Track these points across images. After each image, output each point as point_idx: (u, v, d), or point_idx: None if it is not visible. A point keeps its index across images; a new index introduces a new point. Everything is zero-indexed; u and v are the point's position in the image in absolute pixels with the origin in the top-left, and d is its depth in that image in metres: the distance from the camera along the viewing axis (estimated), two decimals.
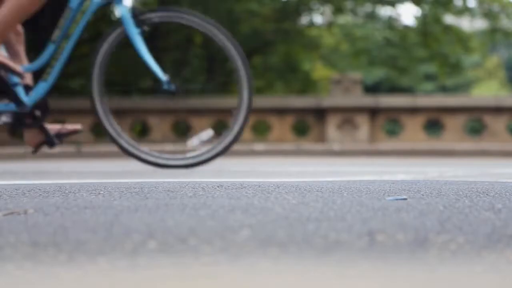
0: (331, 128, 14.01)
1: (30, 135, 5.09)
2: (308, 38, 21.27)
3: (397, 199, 2.39)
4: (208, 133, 12.15)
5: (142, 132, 15.26)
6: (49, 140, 5.06)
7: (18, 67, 4.96)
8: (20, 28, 5.14)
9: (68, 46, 5.04)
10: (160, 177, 4.42)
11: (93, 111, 5.06)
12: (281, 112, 14.29)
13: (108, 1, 5.09)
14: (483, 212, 2.07)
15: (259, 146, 13.05)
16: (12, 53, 5.15)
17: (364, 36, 22.13)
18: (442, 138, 13.98)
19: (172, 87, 4.95)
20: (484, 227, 1.80)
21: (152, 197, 2.43)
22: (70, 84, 19.02)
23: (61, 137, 5.09)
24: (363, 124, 13.99)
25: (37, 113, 5.02)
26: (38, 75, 5.20)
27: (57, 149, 12.02)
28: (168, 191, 2.60)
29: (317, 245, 1.65)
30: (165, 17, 5.13)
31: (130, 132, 13.93)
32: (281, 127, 14.28)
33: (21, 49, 5.18)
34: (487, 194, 2.52)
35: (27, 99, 4.98)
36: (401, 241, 1.67)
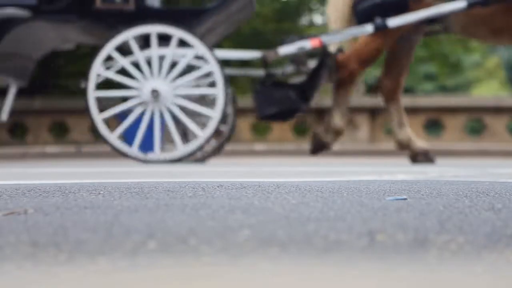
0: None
1: None
2: None
3: (397, 199, 2.39)
4: None
5: None
6: None
7: None
8: None
9: None
10: (160, 177, 4.42)
11: None
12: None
13: None
14: (483, 212, 2.07)
15: (259, 146, 13.05)
16: None
17: None
18: (442, 138, 13.97)
19: None
20: (484, 227, 1.80)
21: (152, 197, 2.43)
22: (70, 84, 18.99)
23: None
24: (363, 124, 13.98)
25: None
26: None
27: (57, 149, 12.02)
28: (168, 191, 2.60)
29: (317, 245, 1.65)
30: None
31: None
32: (281, 127, 14.27)
33: None
34: (487, 194, 2.52)
35: None
36: (401, 241, 1.67)
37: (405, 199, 2.41)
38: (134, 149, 6.73)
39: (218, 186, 2.74)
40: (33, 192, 2.59)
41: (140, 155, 6.75)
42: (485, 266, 1.51)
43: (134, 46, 6.72)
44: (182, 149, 6.78)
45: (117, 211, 2.07)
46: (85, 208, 2.15)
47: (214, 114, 6.79)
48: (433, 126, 15.08)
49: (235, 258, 1.55)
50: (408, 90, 29.48)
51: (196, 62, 6.95)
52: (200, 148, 6.88)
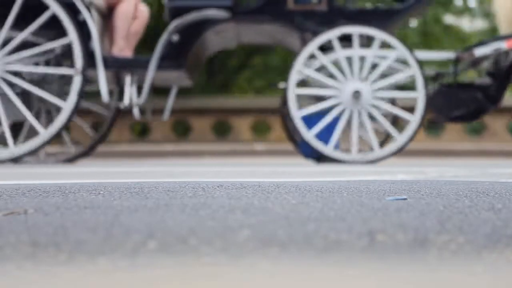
0: None
1: None
2: None
3: (397, 199, 2.39)
4: None
5: (142, 132, 15.24)
6: None
7: None
8: None
9: None
10: (160, 177, 4.42)
11: None
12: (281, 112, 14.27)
13: None
14: (483, 212, 2.07)
15: (259, 146, 13.04)
16: None
17: None
18: (442, 138, 13.97)
19: None
20: (484, 227, 1.80)
21: (152, 197, 2.43)
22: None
23: None
24: None
25: None
26: None
27: (57, 149, 12.01)
28: (168, 191, 2.60)
29: (317, 245, 1.65)
30: None
31: (130, 132, 13.91)
32: (281, 127, 14.27)
33: None
34: (487, 194, 2.52)
35: None
36: (401, 241, 1.67)
37: (405, 199, 2.41)
38: (330, 149, 6.77)
39: (218, 186, 2.74)
40: (33, 192, 2.59)
41: (338, 154, 6.79)
42: (485, 266, 1.51)
43: (337, 46, 6.74)
44: (379, 151, 6.80)
45: (117, 211, 2.07)
46: (85, 208, 2.15)
47: (414, 118, 6.79)
48: (433, 126, 15.08)
49: (235, 258, 1.55)
50: (408, 90, 29.47)
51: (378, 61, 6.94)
52: (398, 151, 6.87)
